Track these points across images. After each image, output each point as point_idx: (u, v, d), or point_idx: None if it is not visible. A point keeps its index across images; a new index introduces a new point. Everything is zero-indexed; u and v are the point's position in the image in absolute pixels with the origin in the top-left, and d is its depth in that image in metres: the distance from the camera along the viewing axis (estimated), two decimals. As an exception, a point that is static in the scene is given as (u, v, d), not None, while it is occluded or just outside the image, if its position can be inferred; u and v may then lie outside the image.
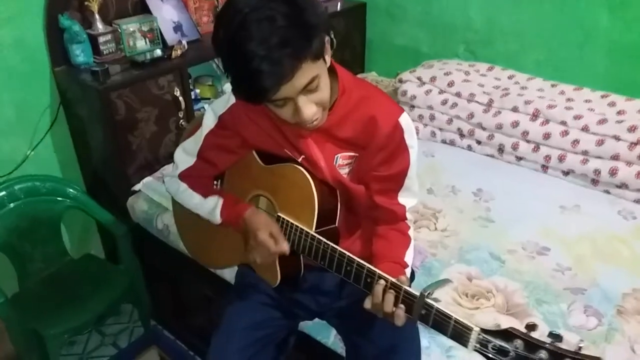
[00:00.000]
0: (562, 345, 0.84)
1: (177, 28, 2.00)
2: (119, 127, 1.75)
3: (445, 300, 1.41)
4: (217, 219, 1.24)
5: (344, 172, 1.18)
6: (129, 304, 2.07)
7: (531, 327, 0.87)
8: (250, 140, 1.22)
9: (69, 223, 2.01)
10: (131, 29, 1.89)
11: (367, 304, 1.04)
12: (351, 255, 1.07)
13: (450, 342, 1.27)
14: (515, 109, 2.02)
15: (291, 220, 1.17)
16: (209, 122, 1.23)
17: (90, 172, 2.00)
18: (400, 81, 2.27)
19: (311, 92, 0.99)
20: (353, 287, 1.24)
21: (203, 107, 2.12)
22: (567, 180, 1.96)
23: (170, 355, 1.98)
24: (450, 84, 2.17)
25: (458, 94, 2.14)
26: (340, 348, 1.35)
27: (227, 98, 1.20)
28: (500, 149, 2.08)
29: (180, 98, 1.88)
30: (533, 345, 0.85)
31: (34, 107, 1.89)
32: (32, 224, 1.79)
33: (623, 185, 1.83)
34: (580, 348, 0.83)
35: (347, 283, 1.23)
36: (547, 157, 1.97)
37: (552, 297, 1.44)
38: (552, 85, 2.11)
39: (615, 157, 1.83)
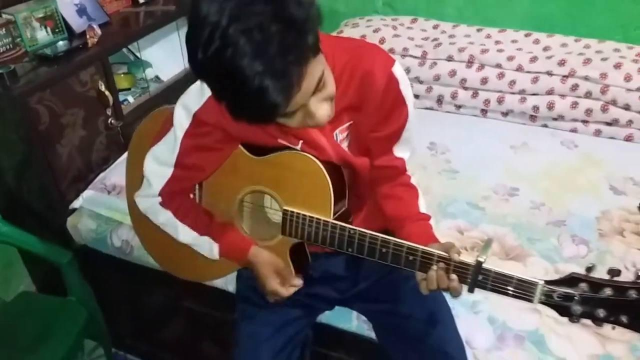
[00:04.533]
0: (621, 278, 0.86)
1: (82, 11, 1.70)
2: (44, 138, 1.46)
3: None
4: (215, 256, 1.15)
5: (344, 145, 1.10)
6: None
7: (590, 268, 0.89)
8: (236, 133, 1.07)
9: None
10: (21, 17, 1.56)
11: (424, 289, 0.99)
12: (384, 235, 1.00)
13: (474, 297, 1.30)
14: (450, 58, 2.04)
15: (302, 213, 1.06)
16: (182, 121, 1.05)
17: (6, 197, 1.67)
18: (329, 44, 2.18)
19: (319, 91, 0.87)
20: (369, 267, 1.19)
21: (126, 100, 1.86)
22: (506, 120, 2.04)
23: (145, 378, 1.78)
24: (382, 41, 2.13)
25: (391, 51, 2.11)
26: (366, 330, 1.29)
27: (200, 89, 1.02)
28: (439, 100, 2.10)
29: (107, 92, 1.61)
30: (597, 285, 0.87)
31: None
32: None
33: (559, 117, 1.95)
34: (639, 277, 0.86)
35: (361, 263, 1.19)
36: (486, 101, 2.02)
37: (540, 234, 1.50)
38: (478, 30, 2.16)
39: (550, 92, 1.93)
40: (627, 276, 0.91)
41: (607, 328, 1.20)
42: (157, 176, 1.11)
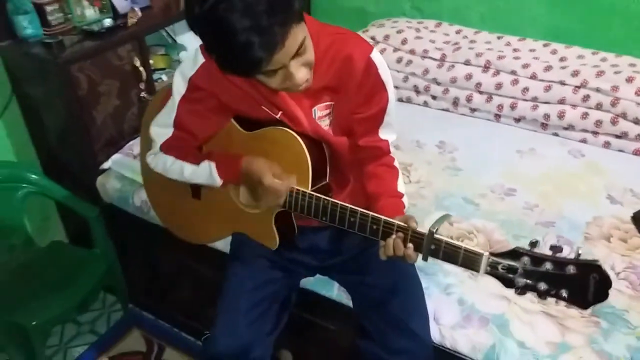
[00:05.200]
0: (563, 255, 0.93)
1: (127, -5, 1.90)
2: (82, 103, 1.65)
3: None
4: (218, 181, 1.21)
5: (325, 124, 1.19)
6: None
7: (534, 244, 0.95)
8: (225, 99, 1.18)
9: (27, 210, 1.89)
10: (76, -4, 1.76)
11: (382, 255, 1.09)
12: (353, 206, 1.10)
13: (448, 280, 1.39)
14: (467, 62, 2.12)
15: None
16: (179, 87, 1.17)
17: (47, 154, 1.88)
18: (355, 41, 2.29)
19: (300, 55, 0.98)
20: (351, 242, 1.30)
21: (160, 78, 2.04)
22: (518, 126, 2.09)
23: (154, 334, 1.95)
24: (404, 42, 2.23)
25: (412, 51, 2.21)
26: (345, 299, 1.40)
27: (194, 58, 1.14)
28: (455, 102, 2.18)
29: (141, 68, 1.80)
30: (538, 259, 0.93)
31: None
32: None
33: (570, 127, 1.99)
34: (579, 255, 0.92)
35: (344, 238, 1.30)
36: (500, 106, 2.08)
37: (527, 232, 1.55)
38: (498, 38, 2.23)
39: (561, 101, 1.97)
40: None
41: (571, 320, 1.29)
42: (160, 136, 1.24)
